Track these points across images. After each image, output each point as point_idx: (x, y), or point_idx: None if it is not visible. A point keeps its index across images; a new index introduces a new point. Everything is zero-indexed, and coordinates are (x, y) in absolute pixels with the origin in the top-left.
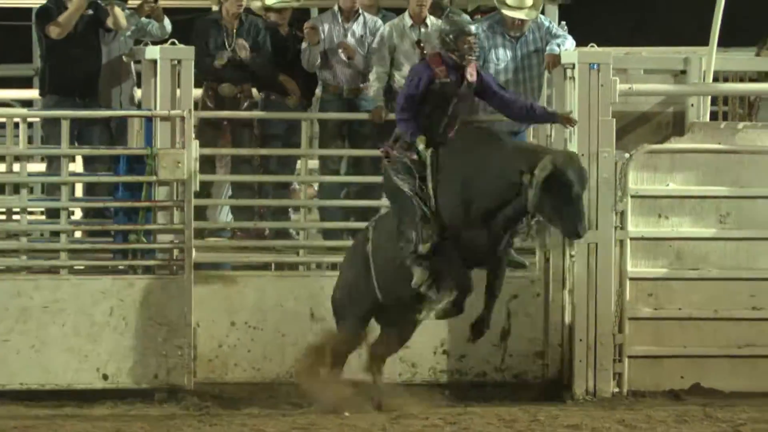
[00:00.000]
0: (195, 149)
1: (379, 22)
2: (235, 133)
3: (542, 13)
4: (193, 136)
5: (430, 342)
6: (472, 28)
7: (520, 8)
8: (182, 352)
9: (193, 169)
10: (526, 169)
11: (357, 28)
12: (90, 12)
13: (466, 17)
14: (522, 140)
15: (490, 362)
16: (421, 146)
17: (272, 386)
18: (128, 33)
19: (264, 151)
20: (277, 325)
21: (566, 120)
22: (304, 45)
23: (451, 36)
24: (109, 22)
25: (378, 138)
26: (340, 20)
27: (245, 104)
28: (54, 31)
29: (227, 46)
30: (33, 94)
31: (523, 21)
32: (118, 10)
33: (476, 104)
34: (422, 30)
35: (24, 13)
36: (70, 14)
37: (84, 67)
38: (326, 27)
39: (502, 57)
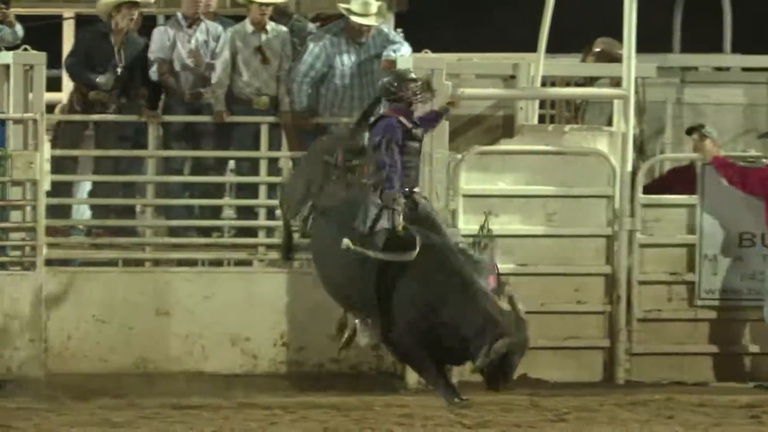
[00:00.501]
0: (47, 151)
1: (221, 28)
2: (99, 135)
3: None
4: (46, 138)
5: (270, 335)
6: (413, 74)
7: (366, 15)
8: (33, 345)
9: (44, 170)
10: (479, 338)
11: (200, 34)
12: None
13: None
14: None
15: (327, 354)
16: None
17: (119, 377)
18: None
19: (114, 153)
20: (124, 319)
21: (451, 105)
22: (151, 55)
23: (394, 84)
24: None
25: (219, 141)
26: (183, 27)
27: (112, 108)
28: None
29: (118, 60)
30: None
31: (368, 28)
32: None
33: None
34: (263, 36)
35: None
36: None
37: None
38: (171, 33)
39: (347, 62)
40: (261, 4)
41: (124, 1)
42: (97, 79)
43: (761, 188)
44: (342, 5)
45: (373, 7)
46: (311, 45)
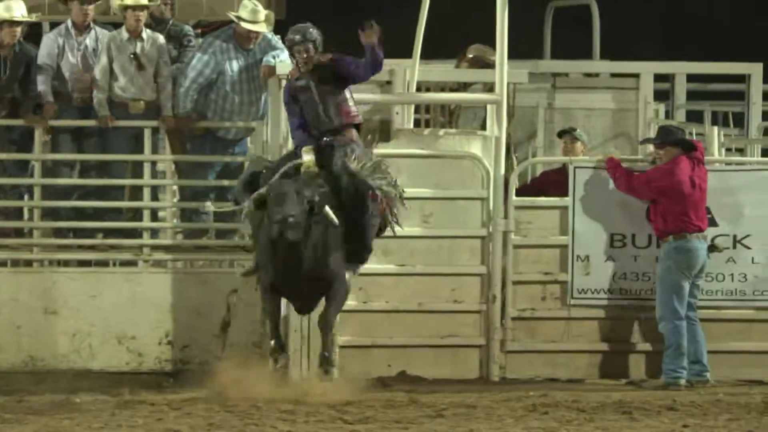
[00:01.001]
0: None
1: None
2: None
3: None
4: None
5: (155, 333)
6: (295, 38)
7: (255, 22)
8: None
9: None
10: None
11: (89, 41)
12: None
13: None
14: None
15: (212, 352)
16: (306, 157)
17: (8, 375)
18: None
19: (2, 156)
20: (12, 318)
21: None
22: (40, 62)
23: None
24: None
25: (103, 144)
26: (72, 34)
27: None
28: None
29: (2, 72)
30: None
31: (256, 34)
32: None
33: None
34: (138, 44)
35: None
36: None
37: None
38: (60, 41)
39: (235, 68)
40: (134, 8)
41: (5, 20)
42: None
43: (647, 191)
44: (231, 13)
45: (262, 14)
46: (200, 53)
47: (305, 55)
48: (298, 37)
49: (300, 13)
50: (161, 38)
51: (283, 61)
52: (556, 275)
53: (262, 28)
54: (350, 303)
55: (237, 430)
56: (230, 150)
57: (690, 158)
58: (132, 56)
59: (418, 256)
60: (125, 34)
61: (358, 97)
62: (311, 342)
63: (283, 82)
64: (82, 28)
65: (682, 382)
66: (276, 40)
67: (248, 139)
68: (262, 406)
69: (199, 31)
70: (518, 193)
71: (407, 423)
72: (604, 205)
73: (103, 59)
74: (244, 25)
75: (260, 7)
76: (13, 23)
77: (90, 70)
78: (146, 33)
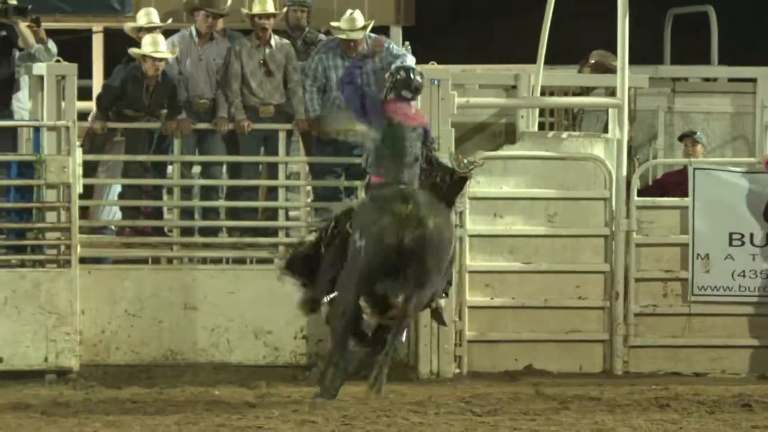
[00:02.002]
0: (78, 155)
1: (228, 44)
2: (130, 141)
3: (387, 36)
4: (78, 143)
5: (290, 328)
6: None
7: (352, 30)
8: (69, 338)
9: (77, 174)
10: None
11: (210, 51)
12: (2, 33)
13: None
14: None
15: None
16: None
17: (150, 368)
18: (16, 57)
19: (142, 157)
20: (153, 313)
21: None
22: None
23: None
24: (20, 42)
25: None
26: (195, 41)
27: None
28: None
29: (144, 101)
30: None
31: (356, 42)
32: (25, 29)
33: None
34: (267, 50)
35: None
36: None
37: None
38: (182, 47)
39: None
40: (262, 16)
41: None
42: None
43: None
44: (332, 23)
45: (359, 22)
46: (310, 61)
47: None
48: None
49: (429, 20)
50: (289, 44)
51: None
52: (677, 273)
53: (357, 36)
54: (478, 299)
55: (370, 421)
56: (351, 152)
57: None
58: (261, 62)
59: (544, 254)
60: (254, 41)
61: (485, 101)
62: (440, 337)
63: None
64: (205, 38)
65: None
66: (396, 48)
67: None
68: (393, 398)
69: (331, 37)
70: (640, 194)
71: (534, 415)
72: (723, 205)
73: (236, 66)
74: (338, 34)
75: (358, 15)
76: (155, 59)
77: (209, 79)
78: (274, 39)
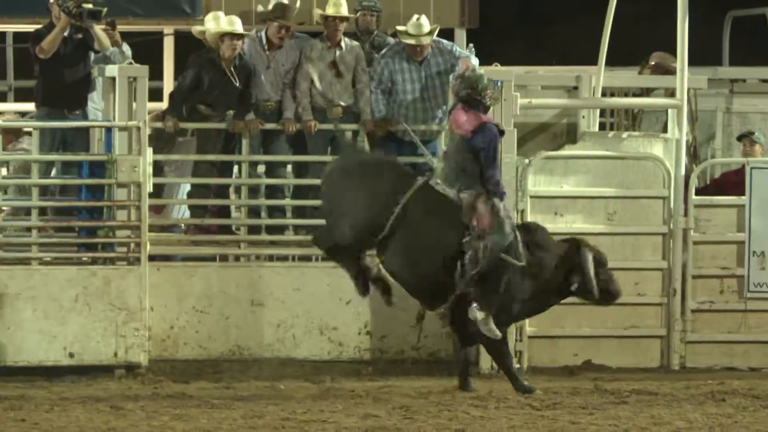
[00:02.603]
0: (149, 155)
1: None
2: (201, 140)
3: (452, 37)
4: (147, 143)
5: (354, 324)
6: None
7: (419, 35)
8: (138, 333)
9: (147, 173)
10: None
11: (279, 57)
12: (79, 36)
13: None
14: None
15: (408, 342)
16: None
17: (217, 363)
18: (92, 59)
19: (211, 157)
20: (221, 309)
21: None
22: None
23: (481, 92)
24: (96, 45)
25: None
26: (265, 47)
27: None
28: (41, 52)
29: (234, 82)
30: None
31: (422, 47)
32: (100, 32)
33: None
34: (337, 51)
35: None
36: (52, 38)
37: (73, 84)
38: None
39: (407, 78)
40: (335, 18)
41: (227, 33)
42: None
43: None
44: (399, 27)
45: (425, 27)
46: (376, 64)
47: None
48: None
49: (493, 23)
50: (359, 47)
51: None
52: (734, 270)
53: (423, 42)
54: None
55: (432, 415)
56: (415, 152)
57: None
58: (331, 64)
59: (604, 251)
60: (326, 43)
61: (547, 102)
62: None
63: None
64: (274, 47)
65: None
66: (459, 49)
67: (438, 141)
68: (455, 393)
69: (398, 40)
70: (698, 193)
71: (592, 409)
72: None
73: (306, 67)
74: (405, 40)
75: (424, 20)
76: (234, 36)
77: (277, 83)
78: (345, 41)
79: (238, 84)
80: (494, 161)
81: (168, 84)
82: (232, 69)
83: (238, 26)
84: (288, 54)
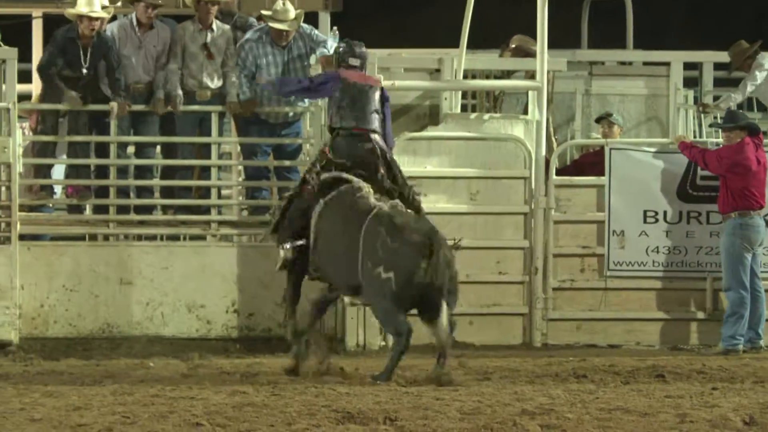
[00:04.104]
0: (19, 136)
1: (168, 30)
2: (71, 121)
3: (316, 21)
4: (18, 124)
5: (222, 302)
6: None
7: (284, 21)
8: (9, 312)
9: (17, 154)
10: None
11: (150, 39)
12: None
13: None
14: None
15: (275, 320)
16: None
17: (87, 341)
18: None
19: (80, 138)
20: (90, 288)
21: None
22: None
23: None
24: None
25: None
26: (136, 30)
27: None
28: None
29: (82, 62)
30: None
31: (287, 32)
32: None
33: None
34: (209, 34)
35: None
36: None
37: None
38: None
39: (271, 62)
40: (208, 2)
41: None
42: (68, 95)
43: (718, 167)
44: (264, 12)
45: (291, 13)
46: (240, 47)
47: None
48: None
49: (356, 6)
50: (229, 30)
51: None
52: (594, 249)
53: (288, 27)
54: None
55: (298, 392)
56: (280, 133)
57: (753, 141)
58: (203, 46)
59: (466, 230)
60: (197, 25)
61: (409, 84)
62: (366, 311)
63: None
64: (145, 27)
65: (740, 347)
66: (318, 34)
67: (301, 123)
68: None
69: (262, 23)
70: (558, 173)
71: (456, 385)
72: (638, 184)
73: (176, 48)
74: (271, 24)
75: (290, 6)
76: (92, 18)
77: (148, 65)
78: (216, 24)
79: (85, 65)
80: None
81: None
82: (89, 49)
83: (96, 7)
84: (159, 35)
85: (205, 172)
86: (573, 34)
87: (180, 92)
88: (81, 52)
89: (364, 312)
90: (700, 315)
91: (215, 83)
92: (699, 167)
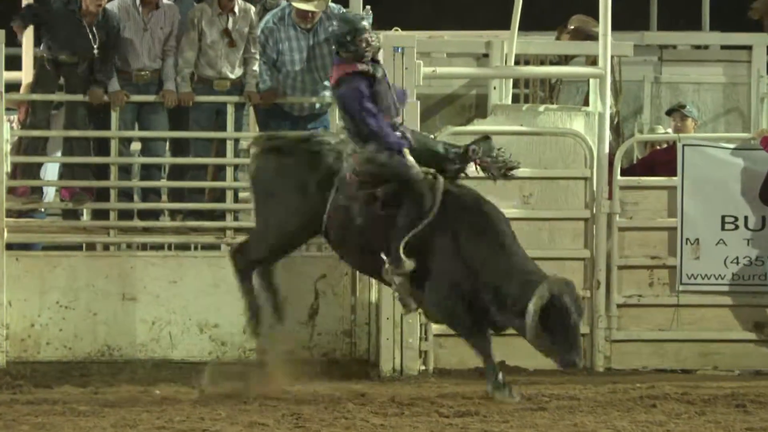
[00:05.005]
0: (6, 131)
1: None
2: (69, 113)
3: (346, 1)
4: (5, 118)
5: (239, 321)
6: (366, 24)
7: (308, 1)
8: None
9: (4, 151)
10: (521, 293)
11: (155, 19)
12: None
13: (358, 16)
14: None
15: (298, 340)
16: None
17: (84, 365)
18: None
19: (76, 133)
20: (88, 305)
21: None
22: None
23: (348, 36)
24: None
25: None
26: (139, 11)
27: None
28: None
29: (91, 43)
30: None
31: (313, 13)
32: None
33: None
34: (230, 18)
35: None
36: None
37: None
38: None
39: (295, 47)
40: None
41: None
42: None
43: None
44: None
45: None
46: (260, 30)
47: (374, 44)
48: (365, 24)
49: None
50: (253, 12)
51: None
52: (664, 259)
53: (313, 7)
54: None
55: (326, 423)
56: (306, 127)
57: None
58: (224, 31)
59: (519, 238)
60: (216, 8)
61: (453, 71)
62: (404, 331)
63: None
64: (150, 7)
65: None
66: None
67: (329, 115)
68: (353, 398)
69: (285, 4)
70: (624, 173)
71: (507, 416)
72: (715, 185)
73: (192, 34)
74: (294, 4)
75: None
76: None
77: (153, 50)
78: (238, 5)
79: (95, 45)
80: (366, 113)
81: (27, 51)
82: (94, 27)
83: None
84: (167, 16)
85: (220, 171)
86: (641, 14)
87: (189, 88)
88: (87, 31)
89: (401, 332)
90: None
91: (236, 73)
92: None
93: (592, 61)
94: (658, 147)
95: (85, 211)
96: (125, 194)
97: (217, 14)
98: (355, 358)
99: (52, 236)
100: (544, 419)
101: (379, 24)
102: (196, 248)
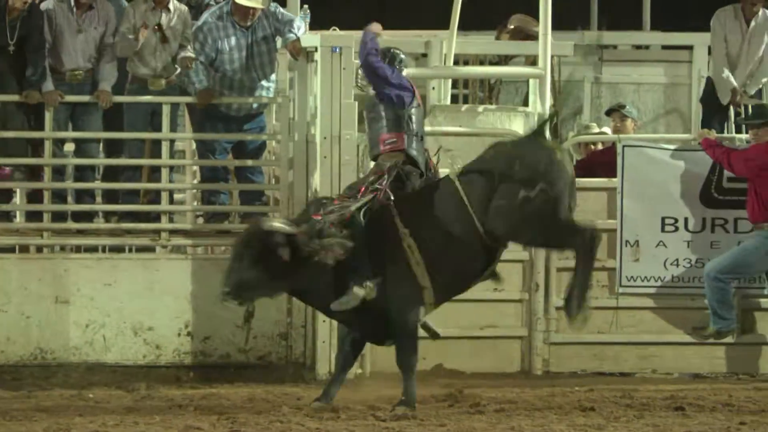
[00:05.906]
0: None
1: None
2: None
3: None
4: None
5: (174, 324)
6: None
7: None
8: None
9: None
10: None
11: (89, 19)
12: None
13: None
14: None
15: (234, 344)
16: None
17: (16, 368)
18: None
19: (11, 134)
20: (20, 307)
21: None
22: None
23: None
24: None
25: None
26: (74, 11)
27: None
28: None
29: (8, 38)
30: None
31: (254, 10)
32: None
33: None
34: (164, 15)
35: None
36: None
37: None
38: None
39: (234, 45)
40: None
41: None
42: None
43: (745, 169)
44: None
45: None
46: (197, 28)
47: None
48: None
49: None
50: (187, 11)
51: (303, 33)
52: (604, 262)
53: (258, 4)
54: None
55: (261, 427)
56: (241, 128)
57: None
58: (156, 28)
59: None
60: (149, 3)
61: None
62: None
63: (311, 55)
64: (84, 7)
65: (734, 327)
66: (284, 13)
67: (265, 116)
68: (288, 402)
69: (222, 2)
70: None
71: (444, 419)
72: (655, 187)
73: (122, 29)
74: (238, 1)
75: None
76: None
77: (88, 50)
78: (173, 3)
79: (12, 41)
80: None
81: None
82: (18, 23)
83: None
84: (100, 15)
85: (154, 172)
86: (581, 14)
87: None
88: (5, 25)
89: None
90: (727, 338)
91: (170, 71)
92: None
93: (532, 61)
94: (593, 147)
95: (18, 212)
96: (59, 196)
97: (150, 9)
98: (291, 361)
99: None
100: (482, 422)
101: (318, 24)
102: (130, 250)
